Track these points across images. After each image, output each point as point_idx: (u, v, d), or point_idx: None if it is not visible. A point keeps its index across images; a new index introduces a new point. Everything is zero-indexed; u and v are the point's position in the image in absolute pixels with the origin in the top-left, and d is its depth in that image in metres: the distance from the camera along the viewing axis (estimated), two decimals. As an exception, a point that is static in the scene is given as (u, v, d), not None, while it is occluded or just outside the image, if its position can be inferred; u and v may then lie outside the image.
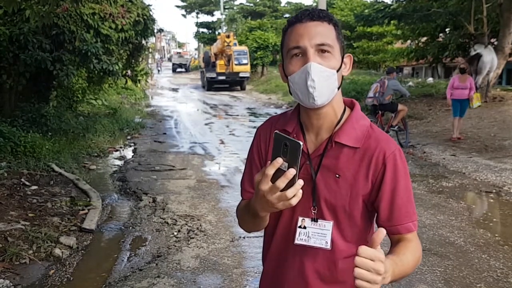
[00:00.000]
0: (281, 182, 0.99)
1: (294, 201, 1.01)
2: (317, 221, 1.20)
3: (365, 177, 1.18)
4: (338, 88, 1.19)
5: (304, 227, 1.21)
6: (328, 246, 1.19)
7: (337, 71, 1.16)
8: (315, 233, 1.20)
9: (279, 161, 1.00)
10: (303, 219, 1.22)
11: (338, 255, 1.20)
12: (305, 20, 1.15)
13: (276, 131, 1.04)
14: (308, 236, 1.20)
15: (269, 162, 1.02)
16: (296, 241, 1.21)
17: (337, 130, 1.21)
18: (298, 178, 1.00)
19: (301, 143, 0.99)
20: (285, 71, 1.19)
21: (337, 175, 1.18)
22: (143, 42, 10.77)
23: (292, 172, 0.99)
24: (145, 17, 9.02)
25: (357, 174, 1.18)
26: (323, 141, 1.22)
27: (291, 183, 1.00)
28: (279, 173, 1.00)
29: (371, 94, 9.07)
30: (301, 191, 1.01)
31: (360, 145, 1.19)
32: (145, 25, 9.15)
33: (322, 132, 1.22)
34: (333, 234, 1.20)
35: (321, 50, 1.14)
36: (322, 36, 1.14)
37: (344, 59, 1.20)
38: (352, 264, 0.96)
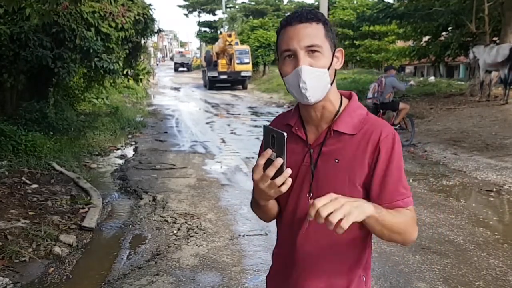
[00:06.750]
0: (270, 171, 1.09)
1: (283, 189, 1.10)
2: None
3: (361, 160, 1.23)
4: (332, 83, 1.25)
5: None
6: None
7: (329, 67, 1.22)
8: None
9: (269, 152, 1.10)
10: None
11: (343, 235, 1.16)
12: (295, 23, 1.21)
13: (264, 124, 1.14)
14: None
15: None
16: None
17: (335, 119, 1.27)
18: (286, 167, 1.08)
19: (285, 134, 1.07)
20: (280, 72, 1.27)
21: (336, 160, 1.25)
22: (143, 41, 10.79)
23: (279, 161, 1.07)
24: (145, 16, 9.03)
25: (354, 158, 1.23)
26: (323, 131, 1.29)
27: (280, 172, 1.07)
28: (270, 163, 1.08)
29: (370, 94, 9.06)
30: (290, 179, 1.09)
31: (357, 132, 1.25)
32: (145, 24, 9.17)
33: (322, 123, 1.29)
34: None
35: (311, 50, 1.19)
36: (311, 38, 1.19)
37: (336, 54, 1.26)
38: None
